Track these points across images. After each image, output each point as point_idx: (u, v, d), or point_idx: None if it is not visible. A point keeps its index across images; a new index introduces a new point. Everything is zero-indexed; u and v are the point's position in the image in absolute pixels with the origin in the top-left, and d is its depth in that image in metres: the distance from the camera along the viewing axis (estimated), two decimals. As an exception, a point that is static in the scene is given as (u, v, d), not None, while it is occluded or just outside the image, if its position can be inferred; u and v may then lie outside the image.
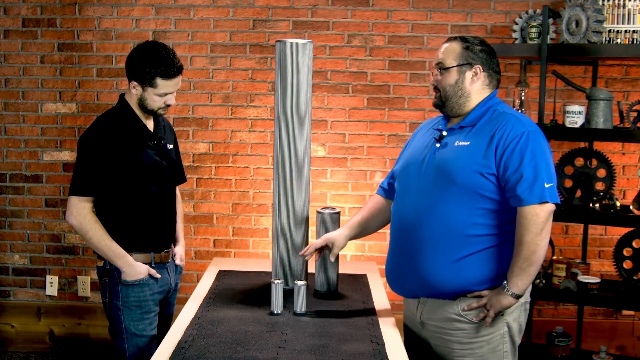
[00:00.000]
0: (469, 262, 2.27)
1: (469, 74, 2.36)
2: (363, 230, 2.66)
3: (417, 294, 2.41)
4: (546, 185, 2.20)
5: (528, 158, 2.21)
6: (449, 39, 2.43)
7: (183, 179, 3.00)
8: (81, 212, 2.59)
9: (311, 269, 2.85)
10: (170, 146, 2.82)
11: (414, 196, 2.37)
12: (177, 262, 2.87)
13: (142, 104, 2.65)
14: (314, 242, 2.64)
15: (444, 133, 2.38)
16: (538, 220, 2.19)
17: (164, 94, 2.63)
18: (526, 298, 2.37)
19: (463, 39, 2.40)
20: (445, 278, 2.29)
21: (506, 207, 2.26)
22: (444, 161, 2.32)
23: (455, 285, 2.29)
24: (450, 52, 2.38)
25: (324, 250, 2.64)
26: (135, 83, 2.62)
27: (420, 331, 2.45)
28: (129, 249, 2.65)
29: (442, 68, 2.38)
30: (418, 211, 2.34)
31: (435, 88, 2.41)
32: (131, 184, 2.64)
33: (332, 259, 2.62)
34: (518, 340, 2.39)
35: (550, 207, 2.21)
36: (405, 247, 2.37)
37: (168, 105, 2.67)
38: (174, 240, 2.86)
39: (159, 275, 2.71)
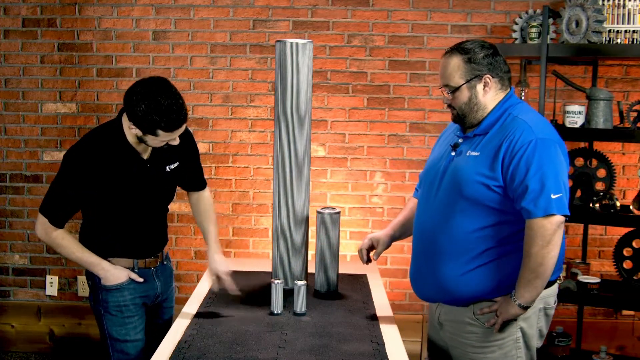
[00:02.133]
0: (479, 274, 2.26)
1: (479, 87, 2.27)
2: (406, 231, 2.64)
3: (435, 299, 2.42)
4: (553, 197, 2.13)
5: (534, 169, 2.14)
6: (448, 53, 2.30)
7: (201, 186, 2.86)
8: (47, 230, 2.52)
9: (311, 269, 2.85)
10: (171, 167, 2.61)
11: (432, 204, 2.36)
12: (218, 270, 2.68)
13: (141, 140, 2.44)
14: (362, 245, 2.63)
15: (460, 141, 2.35)
16: (545, 233, 2.13)
17: (166, 140, 2.42)
18: (547, 303, 2.35)
19: (462, 50, 2.27)
20: (457, 288, 2.29)
21: (514, 218, 2.22)
22: (455, 171, 2.29)
23: (468, 295, 2.30)
24: (454, 70, 2.26)
25: (370, 250, 2.64)
26: (133, 126, 2.37)
27: (439, 333, 2.46)
28: (111, 254, 2.57)
29: (452, 90, 2.29)
30: (434, 220, 2.33)
31: (450, 106, 2.33)
32: (110, 203, 2.51)
33: (375, 258, 2.62)
34: (538, 344, 2.37)
35: (557, 219, 2.14)
36: (424, 253, 2.38)
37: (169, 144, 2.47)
38: (161, 248, 2.71)
39: (141, 279, 2.59)
